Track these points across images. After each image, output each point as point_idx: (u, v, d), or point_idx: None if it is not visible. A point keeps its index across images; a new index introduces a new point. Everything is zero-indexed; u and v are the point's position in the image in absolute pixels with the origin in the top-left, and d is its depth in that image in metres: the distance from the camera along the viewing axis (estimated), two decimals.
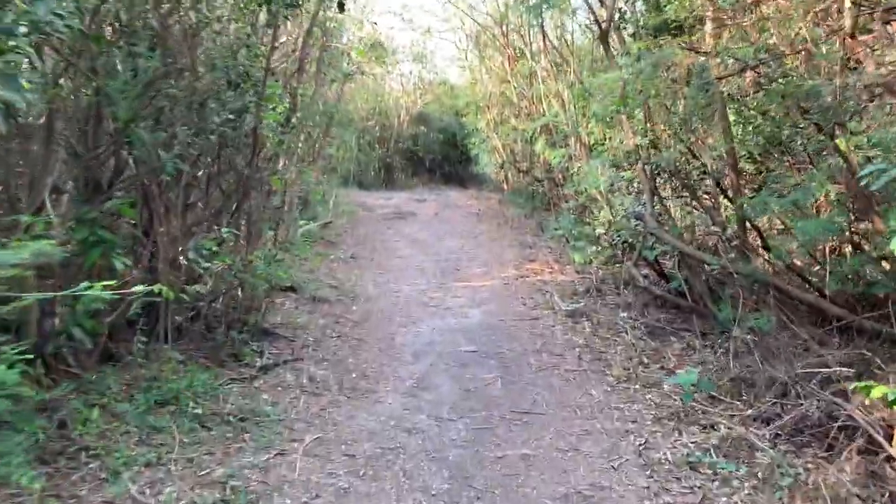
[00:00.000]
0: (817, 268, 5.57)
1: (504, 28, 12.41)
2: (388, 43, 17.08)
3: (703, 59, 5.00)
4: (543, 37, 9.82)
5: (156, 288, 2.64)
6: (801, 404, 4.10)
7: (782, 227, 6.22)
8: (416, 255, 10.36)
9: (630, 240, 6.51)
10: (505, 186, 16.97)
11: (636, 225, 6.14)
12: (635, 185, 7.53)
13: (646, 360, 5.73)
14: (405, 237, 11.82)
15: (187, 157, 3.99)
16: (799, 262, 5.92)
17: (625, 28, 6.67)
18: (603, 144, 10.32)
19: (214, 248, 4.38)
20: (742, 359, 5.15)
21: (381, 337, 6.43)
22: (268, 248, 5.91)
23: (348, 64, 11.03)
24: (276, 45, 5.18)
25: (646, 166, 6.02)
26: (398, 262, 9.87)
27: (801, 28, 4.78)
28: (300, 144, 8.69)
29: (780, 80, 4.61)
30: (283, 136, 5.86)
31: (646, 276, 7.08)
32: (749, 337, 4.98)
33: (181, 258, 4.17)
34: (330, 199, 13.24)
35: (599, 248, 9.25)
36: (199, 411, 4.15)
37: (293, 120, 6.20)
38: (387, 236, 11.79)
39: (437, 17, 15.54)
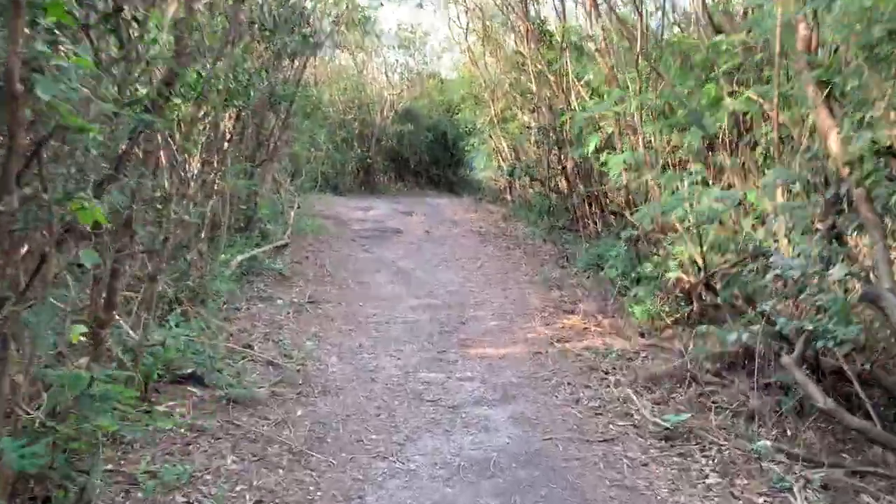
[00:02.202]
0: None
1: None
2: (369, 16, 14.07)
3: None
4: None
5: None
6: None
7: None
8: (403, 298, 7.40)
9: (798, 326, 3.60)
10: (509, 196, 14.08)
11: (827, 302, 3.23)
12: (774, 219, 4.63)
13: None
14: (387, 266, 8.85)
15: None
16: None
17: None
18: (650, 147, 7.46)
19: None
20: None
21: (339, 492, 3.47)
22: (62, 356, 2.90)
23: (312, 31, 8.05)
24: None
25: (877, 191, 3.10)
26: (377, 310, 6.90)
27: None
28: (230, 131, 5.74)
29: None
30: (152, 114, 2.89)
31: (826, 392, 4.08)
32: None
33: None
34: (291, 211, 10.24)
35: (671, 299, 6.40)
36: None
37: (180, 85, 3.23)
38: (363, 265, 8.81)
39: None
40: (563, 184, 11.44)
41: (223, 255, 6.23)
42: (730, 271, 5.29)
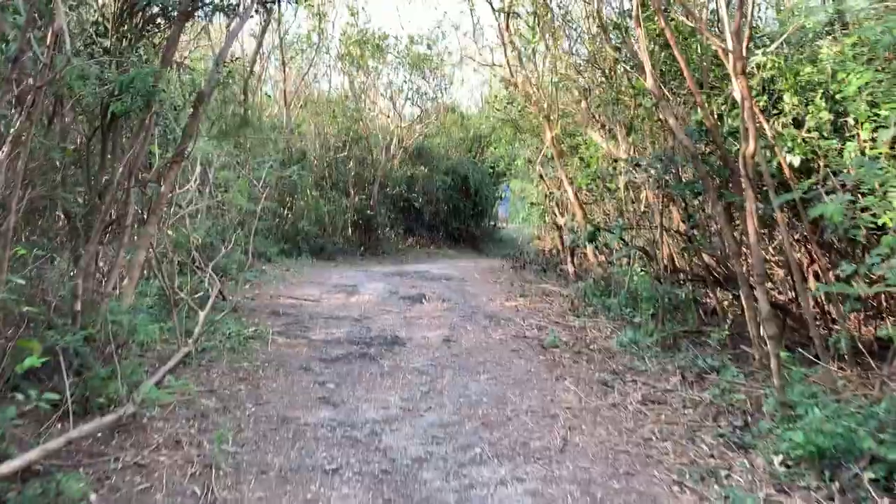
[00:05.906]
0: None
1: None
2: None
3: None
4: None
5: None
6: None
7: None
8: None
9: None
10: (570, 268, 9.36)
11: None
12: None
13: None
14: (360, 452, 4.03)
15: None
16: None
17: None
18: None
19: None
20: None
21: None
22: None
23: None
24: None
25: None
26: None
27: None
28: None
29: None
30: None
31: None
32: None
33: None
34: (200, 314, 5.60)
35: None
36: None
37: None
38: (304, 454, 3.99)
39: None
40: (677, 259, 6.74)
41: None
42: None
